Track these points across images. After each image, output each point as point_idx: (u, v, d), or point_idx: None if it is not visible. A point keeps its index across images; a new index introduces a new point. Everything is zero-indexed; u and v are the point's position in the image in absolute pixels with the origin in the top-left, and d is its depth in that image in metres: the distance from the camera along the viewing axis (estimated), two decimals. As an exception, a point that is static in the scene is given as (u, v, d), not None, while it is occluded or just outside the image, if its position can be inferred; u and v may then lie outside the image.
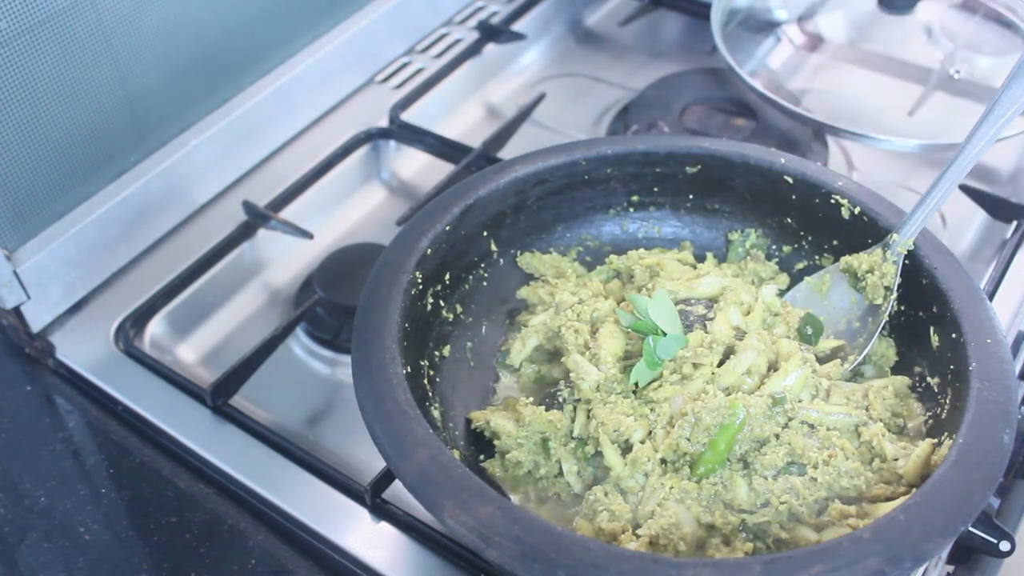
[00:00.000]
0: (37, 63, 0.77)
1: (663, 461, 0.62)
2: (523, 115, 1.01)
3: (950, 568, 0.69)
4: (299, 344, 0.84)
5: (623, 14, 1.17)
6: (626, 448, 0.63)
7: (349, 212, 0.97)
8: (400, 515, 0.68)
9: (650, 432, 0.63)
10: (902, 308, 0.70)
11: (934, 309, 0.66)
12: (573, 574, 0.50)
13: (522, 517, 0.53)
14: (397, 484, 0.68)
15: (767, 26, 1.09)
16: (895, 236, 0.68)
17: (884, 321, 0.69)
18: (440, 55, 1.11)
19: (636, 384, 0.65)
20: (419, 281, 0.68)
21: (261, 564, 0.68)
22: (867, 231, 0.70)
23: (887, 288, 0.69)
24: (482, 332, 0.74)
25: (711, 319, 0.69)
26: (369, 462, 0.73)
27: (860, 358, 0.69)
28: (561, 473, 0.65)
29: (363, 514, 0.69)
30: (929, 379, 0.66)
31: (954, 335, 0.63)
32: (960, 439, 0.56)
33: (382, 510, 0.69)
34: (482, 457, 0.67)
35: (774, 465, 0.61)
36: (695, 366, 0.65)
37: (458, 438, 0.67)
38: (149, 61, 0.87)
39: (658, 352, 0.65)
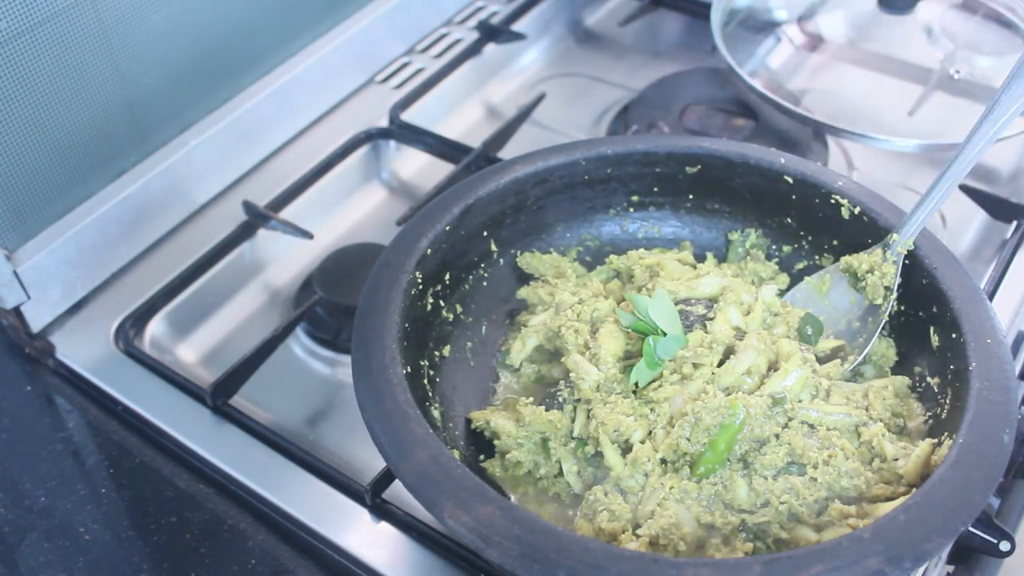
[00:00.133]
0: (37, 63, 0.77)
1: (663, 461, 0.62)
2: (523, 115, 1.01)
3: (950, 568, 0.69)
4: (299, 344, 0.84)
5: (623, 14, 1.17)
6: (626, 448, 0.63)
7: (349, 212, 0.97)
8: (400, 515, 0.68)
9: (650, 432, 0.63)
10: (902, 308, 0.70)
11: (934, 309, 0.66)
12: (573, 574, 0.50)
13: (522, 517, 0.53)
14: (397, 484, 0.68)
15: (767, 26, 1.09)
16: (895, 236, 0.68)
17: (884, 321, 0.69)
18: (440, 55, 1.11)
19: (636, 384, 0.65)
20: (419, 281, 0.68)
21: (261, 564, 0.68)
22: (867, 231, 0.70)
23: (887, 288, 0.69)
24: (482, 332, 0.74)
25: (711, 319, 0.69)
26: (369, 462, 0.73)
27: (860, 358, 0.69)
28: (561, 473, 0.65)
29: (363, 514, 0.69)
30: (929, 379, 0.66)
31: (954, 335, 0.63)
32: (960, 439, 0.56)
33: (382, 510, 0.69)
34: (482, 457, 0.67)
35: (774, 465, 0.61)
36: (695, 366, 0.65)
37: (458, 438, 0.67)
38: (149, 61, 0.87)
39: (658, 352, 0.65)
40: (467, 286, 0.75)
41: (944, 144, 0.89)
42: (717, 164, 0.75)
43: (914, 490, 0.55)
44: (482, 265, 0.76)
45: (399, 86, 1.07)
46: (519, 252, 0.78)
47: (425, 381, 0.67)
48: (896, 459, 0.61)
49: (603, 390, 0.65)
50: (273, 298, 0.89)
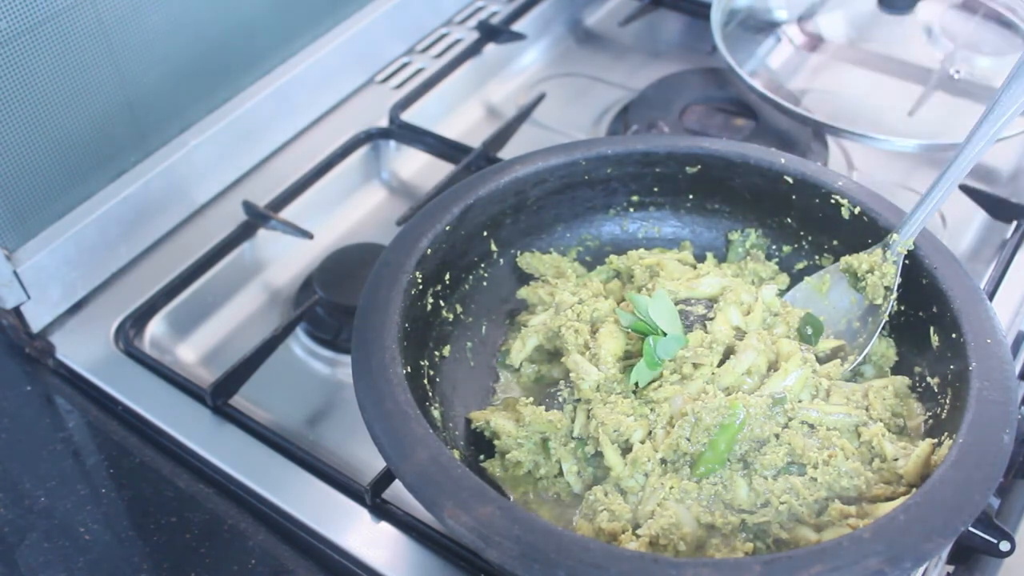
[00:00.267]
0: (37, 63, 0.77)
1: (663, 461, 0.62)
2: (523, 115, 1.01)
3: (950, 568, 0.69)
4: (299, 344, 0.84)
5: (623, 14, 1.17)
6: (626, 448, 0.63)
7: (349, 212, 0.97)
8: (400, 515, 0.68)
9: (650, 432, 0.63)
10: (902, 308, 0.70)
11: (934, 309, 0.66)
12: (573, 574, 0.50)
13: (522, 517, 0.53)
14: (397, 484, 0.68)
15: (767, 26, 1.09)
16: (895, 236, 0.68)
17: (884, 321, 0.69)
18: (440, 55, 1.11)
19: (636, 384, 0.65)
20: (419, 281, 0.68)
21: (261, 564, 0.68)
22: (867, 231, 0.70)
23: (887, 288, 0.69)
24: (482, 332, 0.74)
25: (711, 319, 0.69)
26: (369, 462, 0.73)
27: (860, 358, 0.69)
28: (561, 473, 0.65)
29: (363, 514, 0.69)
30: (929, 379, 0.66)
31: (954, 335, 0.63)
32: (960, 439, 0.56)
33: (382, 510, 0.69)
34: (482, 457, 0.67)
35: (774, 465, 0.61)
36: (695, 366, 0.65)
37: (458, 438, 0.67)
38: (149, 61, 0.87)
39: (658, 352, 0.65)
40: (467, 286, 0.75)
41: (944, 144, 0.89)
42: (717, 164, 0.75)
43: (914, 490, 0.55)
44: (482, 265, 0.76)
45: (399, 86, 1.07)
46: (519, 252, 0.78)
47: (425, 381, 0.67)
48: (896, 459, 0.61)
49: (603, 390, 0.65)
50: (273, 298, 0.89)
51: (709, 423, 0.61)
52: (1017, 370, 0.70)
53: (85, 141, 0.84)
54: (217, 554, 0.68)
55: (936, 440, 0.61)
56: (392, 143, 1.01)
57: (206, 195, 0.94)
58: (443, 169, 0.97)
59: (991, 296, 0.80)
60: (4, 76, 0.76)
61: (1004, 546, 0.64)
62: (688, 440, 0.61)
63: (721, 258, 0.78)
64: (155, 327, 0.85)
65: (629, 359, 0.67)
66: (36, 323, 0.83)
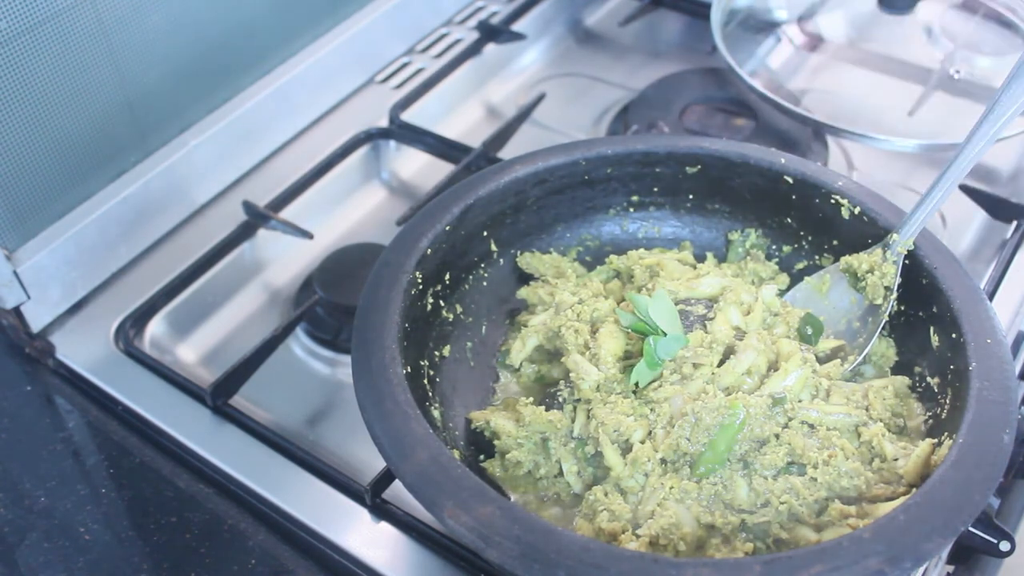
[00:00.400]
0: (37, 63, 0.77)
1: (663, 461, 0.62)
2: (523, 115, 1.01)
3: (950, 568, 0.70)
4: (299, 344, 0.84)
5: (623, 14, 1.17)
6: (626, 448, 0.63)
7: (349, 212, 0.97)
8: (400, 515, 0.68)
9: (650, 432, 0.63)
10: (902, 308, 0.70)
11: (934, 309, 0.66)
12: (573, 574, 0.50)
13: (522, 517, 0.53)
14: (397, 484, 0.68)
15: (767, 26, 1.09)
16: (895, 236, 0.68)
17: (884, 321, 0.69)
18: (440, 55, 1.11)
19: (636, 384, 0.65)
20: (419, 281, 0.68)
21: (261, 564, 0.68)
22: (867, 231, 0.70)
23: (887, 288, 0.69)
24: (482, 332, 0.74)
25: (711, 319, 0.69)
26: (369, 462, 0.73)
27: (860, 358, 0.69)
28: (561, 473, 0.65)
29: (363, 514, 0.69)
30: (929, 379, 0.66)
31: (954, 335, 0.63)
32: (960, 439, 0.56)
33: (382, 510, 0.69)
34: (482, 457, 0.67)
35: (774, 465, 0.61)
36: (695, 366, 0.65)
37: (458, 438, 0.67)
38: (149, 61, 0.87)
39: (658, 352, 0.65)
40: (467, 286, 0.75)
41: (944, 144, 0.89)
42: (717, 164, 0.75)
43: (914, 490, 0.55)
44: (482, 265, 0.76)
45: (399, 86, 1.07)
46: (519, 252, 0.78)
47: (425, 381, 0.67)
48: (896, 459, 0.61)
49: (603, 390, 0.65)
50: (273, 298, 0.89)
51: (709, 423, 0.61)
52: (1017, 370, 0.70)
53: (85, 141, 0.84)
54: (217, 554, 0.68)
55: (936, 440, 0.61)
56: (392, 143, 1.01)
57: (206, 195, 0.94)
58: (443, 169, 0.97)
59: (991, 296, 0.80)
60: (4, 76, 0.76)
61: (1004, 546, 0.64)
62: (688, 440, 0.61)
63: (721, 258, 0.78)
64: (155, 327, 0.85)
65: (629, 359, 0.67)
66: (36, 323, 0.83)
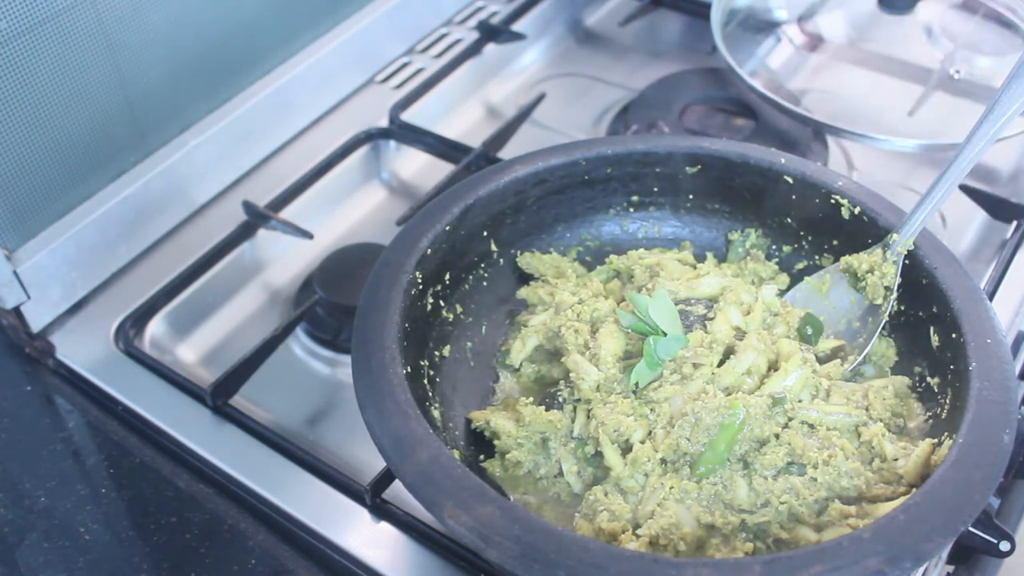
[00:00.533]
0: (37, 63, 0.77)
1: (663, 461, 0.62)
2: (523, 115, 1.01)
3: (950, 568, 0.70)
4: (299, 344, 0.84)
5: (623, 14, 1.17)
6: (626, 448, 0.63)
7: (349, 212, 0.97)
8: (400, 515, 0.68)
9: (650, 432, 0.63)
10: (902, 308, 0.70)
11: (934, 309, 0.66)
12: (573, 574, 0.50)
13: (522, 517, 0.53)
14: (397, 484, 0.68)
15: (767, 26, 1.09)
16: (895, 236, 0.68)
17: (884, 321, 0.69)
18: (440, 55, 1.11)
19: (636, 384, 0.65)
20: (419, 281, 0.68)
21: (261, 564, 0.68)
22: (867, 231, 0.70)
23: (887, 288, 0.69)
24: (482, 332, 0.74)
25: (711, 319, 0.69)
26: (369, 462, 0.73)
27: (860, 358, 0.69)
28: (561, 473, 0.65)
29: (363, 514, 0.69)
30: (929, 379, 0.66)
31: (954, 335, 0.63)
32: (960, 439, 0.56)
33: (382, 510, 0.69)
34: (482, 457, 0.67)
35: (774, 465, 0.61)
36: (695, 366, 0.65)
37: (458, 438, 0.67)
38: (149, 61, 0.87)
39: (658, 352, 0.65)
40: (467, 286, 0.75)
41: (944, 144, 0.89)
42: (717, 164, 0.75)
43: (914, 490, 0.55)
44: (482, 265, 0.76)
45: (399, 86, 1.07)
46: (519, 252, 0.78)
47: (425, 381, 0.67)
48: (896, 459, 0.61)
49: (603, 390, 0.65)
50: (273, 298, 0.89)
51: (709, 423, 0.61)
52: (1017, 370, 0.70)
53: (85, 141, 0.84)
54: (217, 554, 0.68)
55: (936, 440, 0.61)
56: (392, 143, 1.01)
57: (206, 195, 0.94)
58: (443, 169, 0.97)
59: (991, 296, 0.80)
60: (4, 76, 0.76)
61: (1004, 546, 0.64)
62: (688, 440, 0.61)
63: (721, 258, 0.78)
64: (155, 327, 0.85)
65: (629, 359, 0.67)
66: (36, 323, 0.83)
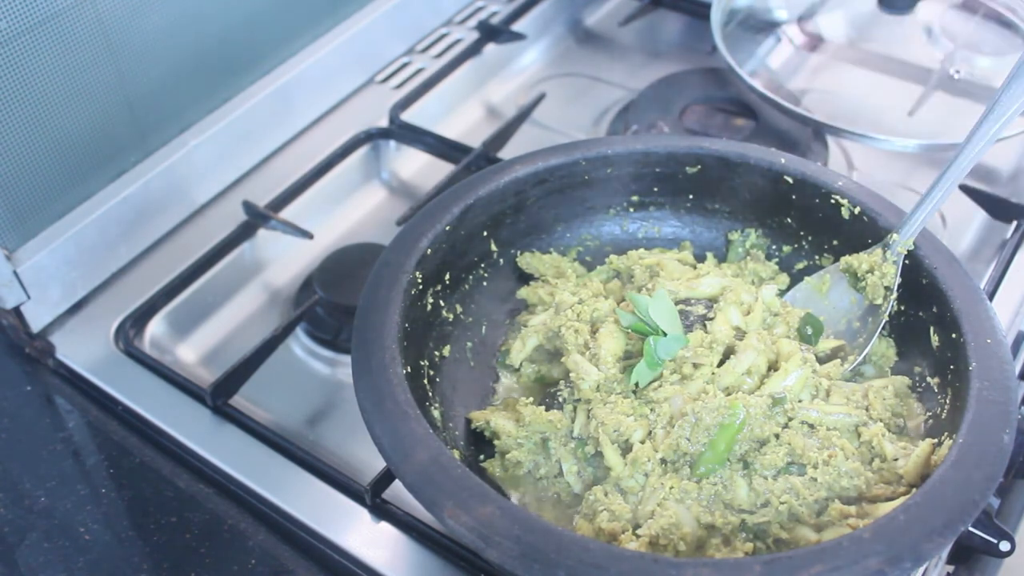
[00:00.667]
0: (37, 63, 0.77)
1: (663, 461, 0.62)
2: (523, 115, 1.01)
3: (950, 568, 0.70)
4: (299, 344, 0.84)
5: (623, 14, 1.17)
6: (626, 448, 0.63)
7: (349, 212, 0.97)
8: (400, 515, 0.68)
9: (650, 432, 0.63)
10: (902, 308, 0.70)
11: (934, 309, 0.66)
12: (573, 574, 0.50)
13: (522, 517, 0.53)
14: (397, 484, 0.68)
15: (767, 26, 1.09)
16: (895, 236, 0.68)
17: (884, 321, 0.69)
18: (440, 55, 1.11)
19: (636, 384, 0.65)
20: (419, 281, 0.68)
21: (261, 564, 0.68)
22: (867, 231, 0.70)
23: (887, 288, 0.69)
24: (482, 332, 0.74)
25: (711, 319, 0.69)
26: (369, 462, 0.73)
27: (860, 358, 0.69)
28: (561, 473, 0.65)
29: (363, 514, 0.69)
30: (929, 379, 0.66)
31: (954, 335, 0.63)
32: (960, 439, 0.56)
33: (382, 510, 0.69)
34: (482, 457, 0.67)
35: (774, 465, 0.61)
36: (695, 366, 0.65)
37: (458, 438, 0.67)
38: (149, 61, 0.87)
39: (658, 352, 0.65)
40: (467, 286, 0.75)
41: (944, 144, 0.89)
42: (717, 164, 0.75)
43: (914, 490, 0.55)
44: (482, 265, 0.76)
45: (399, 86, 1.07)
46: (519, 252, 0.78)
47: (425, 381, 0.67)
48: (896, 459, 0.61)
49: (603, 390, 0.65)
50: (273, 298, 0.89)
51: (709, 423, 0.61)
52: (1017, 370, 0.70)
53: (85, 141, 0.84)
54: (217, 554, 0.68)
55: (936, 440, 0.61)
56: (392, 143, 1.01)
57: (206, 195, 0.94)
58: (443, 169, 0.97)
59: (991, 296, 0.80)
60: (4, 76, 0.76)
61: (1004, 546, 0.64)
62: (688, 440, 0.61)
63: (721, 258, 0.78)
64: (155, 327, 0.85)
65: (629, 359, 0.67)
66: (36, 323, 0.83)
